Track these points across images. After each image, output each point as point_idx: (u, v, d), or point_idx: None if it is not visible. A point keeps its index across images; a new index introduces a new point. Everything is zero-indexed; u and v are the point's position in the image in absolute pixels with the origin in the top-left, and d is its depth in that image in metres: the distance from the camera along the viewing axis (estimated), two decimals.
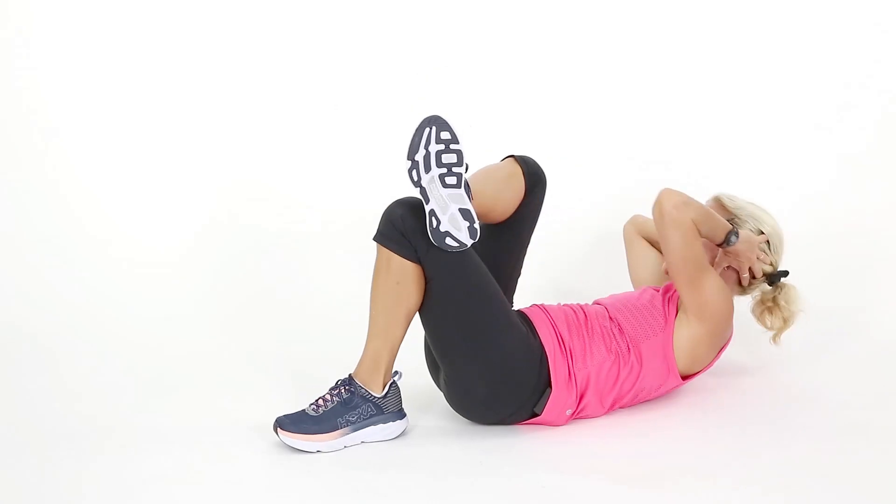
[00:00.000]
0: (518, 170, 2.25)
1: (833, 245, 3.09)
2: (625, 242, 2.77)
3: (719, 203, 2.48)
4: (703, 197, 2.52)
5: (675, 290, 2.34)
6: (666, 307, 2.32)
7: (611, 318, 2.30)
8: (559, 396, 2.19)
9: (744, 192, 3.27)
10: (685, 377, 2.33)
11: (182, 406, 2.43)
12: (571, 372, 2.20)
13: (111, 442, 2.20)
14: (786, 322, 2.45)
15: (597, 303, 2.43)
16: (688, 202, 2.24)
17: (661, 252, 2.67)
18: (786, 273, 2.45)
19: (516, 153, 2.29)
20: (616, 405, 2.29)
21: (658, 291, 2.38)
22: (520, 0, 3.39)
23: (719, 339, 2.32)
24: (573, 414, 2.24)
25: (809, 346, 2.54)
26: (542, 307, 2.32)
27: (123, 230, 3.25)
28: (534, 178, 2.26)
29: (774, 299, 2.45)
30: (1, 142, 3.28)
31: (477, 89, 3.38)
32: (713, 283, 2.27)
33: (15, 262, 3.15)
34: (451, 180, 2.03)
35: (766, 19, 3.34)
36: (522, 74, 3.39)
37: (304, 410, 2.15)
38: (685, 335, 2.28)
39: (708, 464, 2.05)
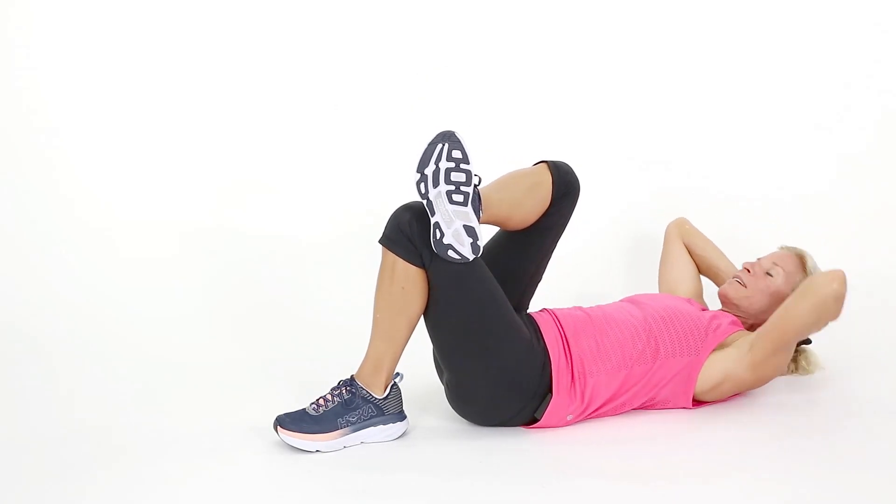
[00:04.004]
0: (547, 178, 2.20)
1: (832, 245, 3.08)
2: (665, 240, 2.78)
3: (802, 261, 2.46)
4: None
5: (728, 324, 2.32)
6: (707, 336, 2.28)
7: (645, 323, 2.27)
8: (559, 402, 2.18)
9: (744, 192, 3.30)
10: (695, 402, 2.32)
11: (182, 407, 2.43)
12: (576, 378, 2.20)
13: (110, 443, 2.20)
14: (801, 372, 2.53)
15: (632, 301, 2.40)
16: (844, 298, 2.18)
17: (696, 263, 2.72)
18: (809, 341, 2.49)
19: (549, 158, 2.25)
20: (624, 408, 2.29)
21: (703, 315, 2.34)
22: (520, 0, 3.39)
23: (746, 389, 2.32)
24: (576, 419, 2.23)
25: (813, 347, 2.54)
26: (551, 312, 2.30)
27: (124, 231, 3.25)
28: (564, 188, 2.22)
29: (796, 360, 2.51)
30: (1, 142, 3.27)
31: (476, 89, 3.37)
32: (788, 354, 2.28)
33: (15, 262, 3.15)
34: (458, 198, 2.02)
35: (767, 19, 3.34)
36: (522, 74, 3.39)
37: (304, 409, 2.15)
38: (722, 368, 2.25)
39: (710, 464, 2.05)
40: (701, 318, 2.32)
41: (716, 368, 2.26)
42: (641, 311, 2.31)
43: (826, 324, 2.22)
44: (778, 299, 2.40)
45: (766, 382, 2.32)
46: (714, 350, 2.28)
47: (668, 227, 2.80)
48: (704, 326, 2.30)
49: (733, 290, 2.46)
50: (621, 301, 2.44)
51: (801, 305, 2.19)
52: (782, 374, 2.53)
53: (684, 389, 2.27)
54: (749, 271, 2.47)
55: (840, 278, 2.17)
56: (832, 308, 2.18)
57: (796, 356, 2.52)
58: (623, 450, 2.12)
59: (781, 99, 3.34)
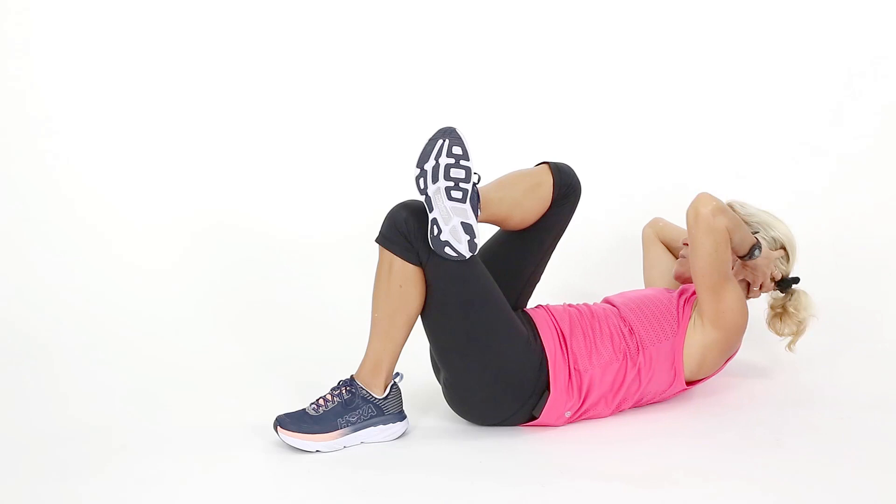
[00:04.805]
0: (547, 179, 2.21)
1: (832, 245, 3.09)
2: (642, 244, 2.79)
3: (731, 209, 2.45)
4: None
5: (691, 294, 2.34)
6: (680, 312, 2.30)
7: (622, 318, 2.29)
8: (557, 399, 2.19)
9: (743, 191, 3.30)
10: (689, 383, 2.33)
11: (182, 407, 2.43)
12: (572, 374, 2.20)
13: (111, 443, 2.20)
14: (798, 328, 2.47)
15: (607, 301, 2.41)
16: (724, 209, 2.21)
17: (676, 258, 2.71)
18: (797, 280, 2.47)
19: (551, 159, 2.25)
20: (621, 406, 2.29)
21: (673, 294, 2.37)
22: (522, 2, 3.39)
23: (729, 347, 2.32)
24: (574, 416, 2.24)
25: (812, 345, 2.55)
26: (546, 308, 2.31)
27: (124, 231, 3.25)
28: (565, 189, 2.22)
29: (784, 306, 2.48)
30: (1, 142, 3.27)
31: (478, 90, 3.38)
32: (734, 292, 2.27)
33: (15, 262, 3.15)
34: (457, 194, 2.02)
35: (767, 20, 3.34)
36: (523, 75, 3.39)
37: (304, 410, 2.15)
38: (697, 341, 2.28)
39: (709, 464, 2.05)
40: (670, 298, 2.34)
41: (693, 345, 2.28)
42: (617, 308, 2.33)
43: (728, 235, 2.21)
44: None
45: (741, 329, 2.30)
46: (690, 324, 2.29)
47: (643, 230, 2.81)
48: (674, 305, 2.32)
49: (681, 266, 2.52)
50: (601, 302, 2.45)
51: (694, 243, 2.23)
52: (781, 335, 2.49)
53: (675, 372, 2.28)
54: (688, 244, 2.47)
55: (699, 199, 2.21)
56: (715, 223, 2.19)
57: (784, 303, 2.48)
58: (623, 450, 2.12)
59: (781, 99, 3.34)
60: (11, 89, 3.28)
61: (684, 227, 2.76)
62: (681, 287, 2.43)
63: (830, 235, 3.15)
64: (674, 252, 2.73)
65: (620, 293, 2.45)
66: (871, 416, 2.29)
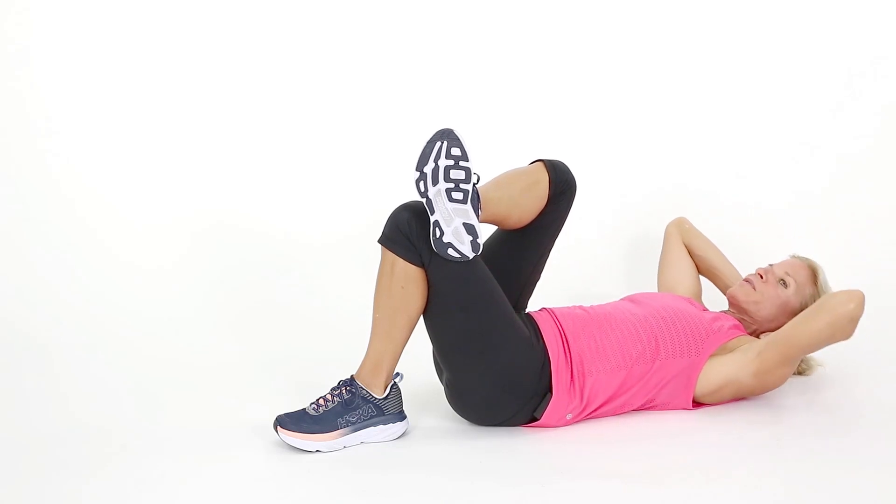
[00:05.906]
0: (544, 177, 2.20)
1: (831, 245, 3.09)
2: (664, 241, 2.78)
3: (814, 274, 2.45)
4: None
5: (728, 328, 2.32)
6: (708, 337, 2.28)
7: (647, 323, 2.26)
8: (559, 401, 2.19)
9: (743, 191, 3.30)
10: (695, 404, 2.31)
11: (182, 406, 2.44)
12: (575, 377, 2.20)
13: (111, 443, 2.20)
14: (802, 374, 2.53)
15: (632, 300, 2.40)
16: (858, 319, 2.19)
17: (696, 263, 2.73)
18: None
19: (545, 157, 2.25)
20: (624, 409, 2.28)
21: (705, 316, 2.34)
22: (520, 2, 3.39)
23: (745, 395, 2.32)
24: (575, 418, 2.23)
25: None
26: (550, 311, 2.30)
27: (124, 232, 3.25)
28: (560, 186, 2.22)
29: None
30: (1, 142, 3.27)
31: (476, 90, 3.38)
32: (793, 368, 2.29)
33: (15, 262, 3.15)
34: (458, 196, 2.02)
35: (767, 20, 3.34)
36: (521, 76, 3.39)
37: (304, 409, 2.15)
38: (727, 371, 2.25)
39: (709, 464, 2.05)
40: (702, 318, 2.32)
41: (718, 372, 2.26)
42: (642, 311, 2.31)
43: (836, 342, 2.23)
44: (785, 310, 2.41)
45: (767, 391, 2.32)
46: (715, 353, 2.28)
47: (667, 226, 2.80)
48: (706, 328, 2.29)
49: (743, 294, 2.45)
50: (621, 300, 2.44)
51: (816, 321, 2.19)
52: None
53: (684, 390, 2.27)
54: (762, 277, 2.45)
55: (858, 299, 2.18)
56: (846, 328, 2.19)
57: None
58: (623, 450, 2.12)
59: (781, 99, 3.34)
60: (11, 89, 3.28)
61: (708, 235, 2.77)
62: (715, 313, 2.40)
63: (830, 235, 3.15)
64: (695, 258, 2.73)
65: (649, 294, 2.45)
66: (871, 416, 2.29)
